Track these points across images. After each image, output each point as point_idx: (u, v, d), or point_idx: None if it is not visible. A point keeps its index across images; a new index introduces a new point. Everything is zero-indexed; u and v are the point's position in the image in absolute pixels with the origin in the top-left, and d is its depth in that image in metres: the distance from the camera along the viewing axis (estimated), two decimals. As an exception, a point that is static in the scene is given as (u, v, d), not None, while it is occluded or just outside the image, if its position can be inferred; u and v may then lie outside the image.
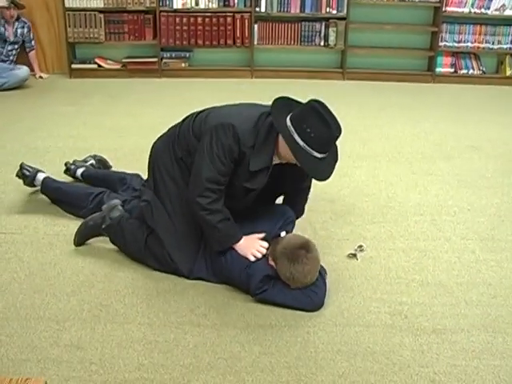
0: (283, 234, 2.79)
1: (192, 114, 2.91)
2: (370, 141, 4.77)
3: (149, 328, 2.48)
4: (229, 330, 2.49)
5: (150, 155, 3.00)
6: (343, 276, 2.89)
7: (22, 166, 3.51)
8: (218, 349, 2.37)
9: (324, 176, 2.65)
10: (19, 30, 6.18)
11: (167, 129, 3.01)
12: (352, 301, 2.71)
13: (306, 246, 2.60)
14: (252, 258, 2.70)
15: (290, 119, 2.58)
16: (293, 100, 2.73)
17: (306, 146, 2.53)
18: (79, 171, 3.68)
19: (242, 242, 2.75)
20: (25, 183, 3.51)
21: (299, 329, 2.51)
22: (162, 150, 2.92)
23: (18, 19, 6.16)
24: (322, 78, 6.70)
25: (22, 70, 6.11)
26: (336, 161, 2.73)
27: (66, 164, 3.75)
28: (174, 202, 2.85)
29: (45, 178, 3.47)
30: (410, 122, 5.30)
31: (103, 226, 3.00)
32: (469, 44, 6.72)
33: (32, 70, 6.39)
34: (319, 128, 2.52)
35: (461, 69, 6.81)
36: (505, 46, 6.70)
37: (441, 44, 6.70)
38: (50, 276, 2.82)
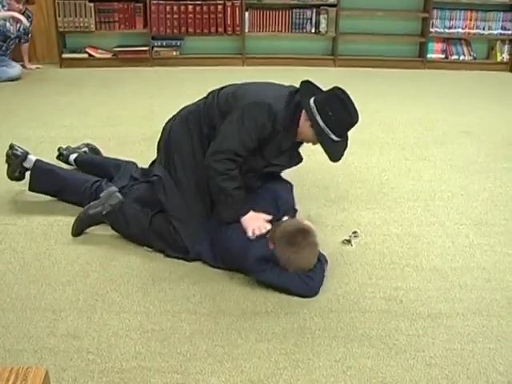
0: (285, 218, 2.81)
1: (213, 92, 2.99)
2: (362, 127, 4.67)
3: (145, 316, 2.48)
4: (225, 317, 2.49)
5: (163, 135, 3.04)
6: (338, 262, 2.90)
7: (12, 146, 3.38)
8: (214, 336, 2.38)
9: (337, 157, 2.82)
10: (23, 25, 6.09)
11: (179, 110, 3.09)
12: (347, 287, 2.72)
13: (304, 231, 2.62)
14: (250, 234, 2.73)
15: (314, 101, 2.73)
16: (314, 85, 2.88)
17: (326, 128, 2.70)
18: (72, 157, 3.64)
19: (248, 215, 2.81)
20: (12, 166, 3.36)
21: (295, 315, 2.51)
22: (179, 130, 2.97)
23: (23, 13, 6.03)
24: (313, 65, 6.68)
25: (16, 69, 6.04)
26: (346, 147, 2.86)
27: (59, 149, 3.71)
28: (189, 176, 2.91)
29: (37, 160, 3.36)
30: (401, 108, 5.30)
31: (104, 213, 2.99)
32: (459, 30, 6.72)
33: (22, 60, 6.33)
34: (341, 113, 2.70)
35: (452, 55, 6.82)
36: (495, 32, 6.71)
37: (432, 30, 6.69)
38: (44, 266, 2.81)
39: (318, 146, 2.79)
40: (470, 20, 6.67)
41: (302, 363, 2.25)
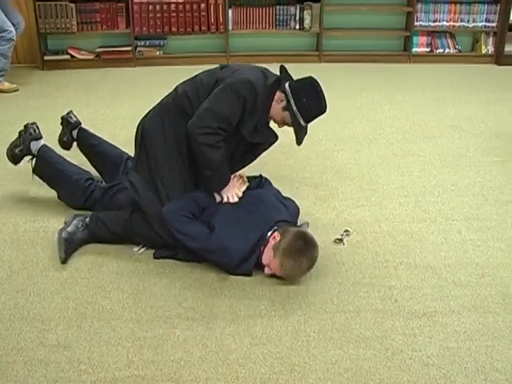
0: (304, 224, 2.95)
1: (179, 85, 3.06)
2: (349, 123, 4.75)
3: (137, 324, 2.44)
4: (218, 322, 2.46)
5: (139, 133, 3.02)
6: (331, 262, 2.87)
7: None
8: (208, 342, 2.34)
9: (302, 141, 2.92)
10: None
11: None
12: (341, 287, 2.70)
13: (313, 246, 2.69)
14: (225, 199, 2.89)
15: (289, 86, 2.86)
16: (287, 71, 3.00)
17: (298, 112, 2.83)
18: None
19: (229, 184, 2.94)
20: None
21: (289, 318, 2.48)
22: (151, 124, 2.98)
23: None
24: (298, 61, 6.63)
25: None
26: (306, 133, 2.96)
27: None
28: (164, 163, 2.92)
29: (44, 145, 3.38)
30: (388, 103, 5.29)
31: (85, 237, 2.97)
32: (444, 23, 6.71)
33: None
34: (314, 101, 2.86)
35: (437, 48, 6.80)
36: (480, 24, 6.70)
37: (416, 24, 6.68)
38: (32, 274, 2.76)
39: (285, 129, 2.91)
40: (455, 13, 6.65)
41: (297, 367, 2.22)
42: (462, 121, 4.84)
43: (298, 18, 6.63)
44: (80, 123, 3.60)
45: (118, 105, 5.22)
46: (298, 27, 6.68)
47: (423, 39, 6.80)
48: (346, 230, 3.10)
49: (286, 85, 2.87)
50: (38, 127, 3.41)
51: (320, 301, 2.59)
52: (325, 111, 2.92)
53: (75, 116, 3.61)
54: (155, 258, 2.87)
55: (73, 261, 2.86)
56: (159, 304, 2.56)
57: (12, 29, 5.41)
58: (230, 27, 6.59)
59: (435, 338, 2.38)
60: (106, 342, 2.33)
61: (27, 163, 3.33)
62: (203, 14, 6.45)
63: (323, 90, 2.90)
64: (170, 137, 2.90)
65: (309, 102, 2.84)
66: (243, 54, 6.67)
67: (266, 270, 2.70)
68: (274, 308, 2.54)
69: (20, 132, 3.40)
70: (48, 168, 3.29)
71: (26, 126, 3.40)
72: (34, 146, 3.32)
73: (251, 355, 2.28)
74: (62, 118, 3.60)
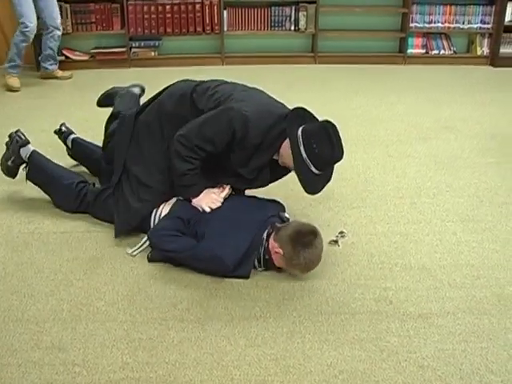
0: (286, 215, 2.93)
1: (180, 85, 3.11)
2: (344, 124, 4.67)
3: (131, 325, 2.43)
4: (213, 323, 2.45)
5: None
6: (326, 263, 2.86)
7: (17, 130, 3.44)
8: (203, 344, 2.34)
9: (314, 190, 2.82)
10: None
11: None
12: (336, 288, 2.69)
13: (315, 231, 2.69)
14: (207, 209, 2.86)
15: (302, 131, 2.70)
16: (309, 113, 2.85)
17: (307, 160, 2.67)
18: (72, 137, 3.72)
19: (200, 196, 2.91)
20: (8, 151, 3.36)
21: (284, 319, 2.48)
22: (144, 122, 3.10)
23: None
24: (293, 62, 6.64)
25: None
26: (328, 180, 2.84)
27: (61, 125, 3.79)
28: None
29: (34, 151, 3.35)
30: (383, 105, 5.28)
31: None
32: (439, 24, 6.70)
33: None
34: (324, 147, 2.66)
35: (432, 49, 6.80)
36: (475, 26, 6.70)
37: (411, 25, 6.67)
38: (26, 276, 2.74)
39: None
40: (450, 14, 6.65)
41: (293, 368, 2.22)
42: (457, 122, 4.84)
43: (293, 19, 6.62)
44: (72, 132, 3.72)
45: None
46: (293, 28, 6.67)
47: (418, 40, 6.80)
48: (341, 232, 3.09)
49: (300, 129, 2.70)
50: (22, 133, 3.38)
51: (315, 302, 2.59)
52: (338, 157, 2.73)
53: (67, 127, 3.76)
54: (150, 261, 2.85)
55: (68, 263, 2.85)
56: (154, 306, 2.55)
57: (30, 25, 5.38)
58: (225, 28, 6.58)
59: (430, 339, 2.38)
60: (100, 343, 2.32)
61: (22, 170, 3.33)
62: (198, 14, 6.43)
63: (338, 133, 2.73)
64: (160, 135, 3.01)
65: (319, 148, 2.66)
66: (238, 56, 6.67)
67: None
68: (269, 309, 2.54)
69: (6, 143, 3.37)
70: (40, 173, 3.29)
71: (10, 136, 3.37)
72: (24, 152, 3.30)
73: (246, 357, 2.27)
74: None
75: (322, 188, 2.82)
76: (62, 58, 6.43)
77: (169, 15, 6.40)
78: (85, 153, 3.65)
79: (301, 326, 2.44)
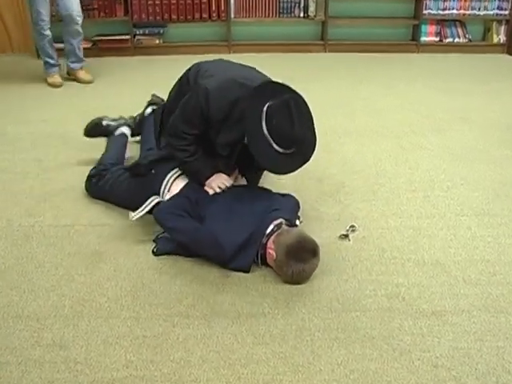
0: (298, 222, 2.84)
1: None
2: (355, 115, 4.67)
3: (135, 322, 2.37)
4: (220, 320, 2.39)
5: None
6: (336, 258, 2.80)
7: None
8: (209, 341, 2.27)
9: (276, 169, 2.77)
10: None
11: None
12: (347, 284, 2.62)
13: (315, 250, 2.59)
14: (217, 190, 2.85)
15: (268, 106, 2.60)
16: (284, 86, 2.71)
17: (268, 136, 2.58)
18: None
19: (211, 178, 2.91)
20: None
21: (293, 316, 2.42)
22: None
23: None
24: (302, 50, 6.57)
25: None
26: (305, 161, 2.73)
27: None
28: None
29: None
30: (395, 94, 5.22)
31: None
32: (454, 11, 6.62)
33: None
34: (284, 122, 2.57)
35: (446, 37, 6.71)
36: (491, 12, 6.60)
37: (425, 12, 6.60)
38: (27, 271, 2.69)
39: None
40: (465, 0, 6.56)
41: (302, 367, 2.16)
42: (472, 112, 4.77)
43: (302, 5, 6.56)
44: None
45: (115, 95, 5.17)
46: (302, 15, 6.60)
47: (432, 28, 6.72)
48: (352, 226, 3.03)
49: (266, 105, 2.59)
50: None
51: (325, 299, 2.52)
52: (299, 136, 2.61)
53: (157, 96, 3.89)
54: (155, 255, 2.80)
55: (69, 257, 2.79)
56: (159, 302, 2.49)
57: (43, 24, 5.26)
58: (232, 15, 6.50)
59: (444, 338, 2.31)
60: (103, 341, 2.27)
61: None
62: (204, 0, 6.38)
63: (302, 108, 2.64)
64: None
65: (278, 125, 2.57)
66: (246, 43, 6.60)
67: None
68: (277, 306, 2.47)
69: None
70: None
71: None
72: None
73: (254, 355, 2.21)
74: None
75: (295, 169, 2.73)
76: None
77: (174, 1, 6.35)
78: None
79: (310, 324, 2.38)
